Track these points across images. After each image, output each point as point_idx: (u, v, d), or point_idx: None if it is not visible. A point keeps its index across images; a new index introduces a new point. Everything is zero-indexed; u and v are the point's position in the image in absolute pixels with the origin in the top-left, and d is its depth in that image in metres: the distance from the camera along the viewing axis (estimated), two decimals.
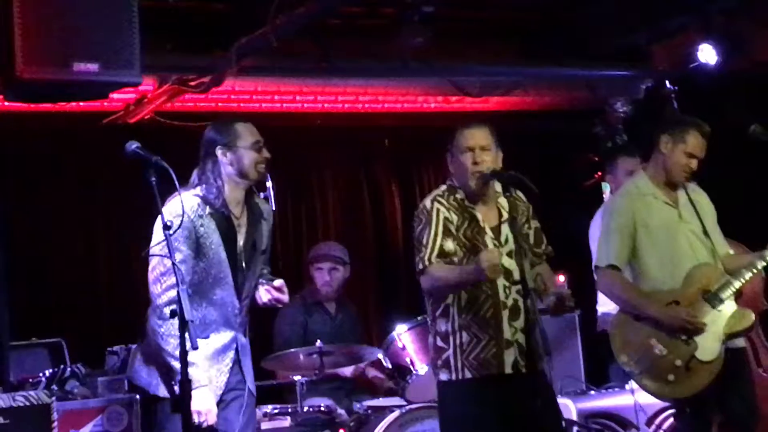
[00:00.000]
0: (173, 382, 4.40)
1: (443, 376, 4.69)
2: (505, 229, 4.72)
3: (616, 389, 6.14)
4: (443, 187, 4.79)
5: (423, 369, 5.99)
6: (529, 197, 4.81)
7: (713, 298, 5.05)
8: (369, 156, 8.66)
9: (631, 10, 7.21)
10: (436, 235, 4.64)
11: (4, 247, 6.06)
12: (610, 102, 8.11)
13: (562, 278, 7.27)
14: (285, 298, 4.67)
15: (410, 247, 4.80)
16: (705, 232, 5.17)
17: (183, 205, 4.28)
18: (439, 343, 4.71)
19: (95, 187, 7.56)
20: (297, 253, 8.09)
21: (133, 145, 4.25)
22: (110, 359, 5.81)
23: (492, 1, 7.37)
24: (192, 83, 6.73)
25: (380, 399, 6.40)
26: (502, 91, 7.90)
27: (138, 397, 5.14)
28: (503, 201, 4.77)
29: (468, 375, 4.61)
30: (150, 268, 4.47)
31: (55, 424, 4.99)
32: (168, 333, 4.38)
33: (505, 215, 4.74)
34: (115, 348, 5.78)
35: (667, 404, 5.65)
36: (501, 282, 4.63)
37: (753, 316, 5.12)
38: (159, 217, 4.24)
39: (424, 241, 4.65)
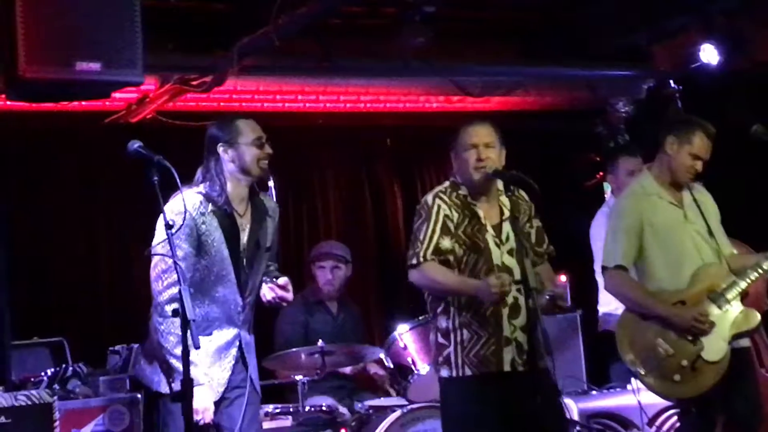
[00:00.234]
0: (172, 380, 4.41)
1: (444, 373, 4.71)
2: (506, 227, 4.74)
3: (618, 389, 6.15)
4: (446, 183, 4.82)
5: (424, 369, 6.00)
6: (531, 196, 4.82)
7: (719, 299, 5.05)
8: (370, 155, 8.66)
9: (632, 10, 7.21)
10: (433, 231, 4.67)
11: (5, 246, 6.06)
12: (612, 102, 8.12)
13: (563, 278, 7.28)
14: (289, 296, 4.67)
15: None
16: (710, 233, 5.18)
17: (185, 203, 4.29)
18: (441, 340, 4.74)
19: (97, 187, 7.56)
20: (298, 252, 8.09)
21: (135, 144, 4.26)
22: (112, 358, 5.81)
23: (493, 1, 7.37)
24: (194, 83, 6.73)
25: (382, 398, 6.40)
26: (504, 91, 7.90)
27: (140, 396, 5.15)
28: (505, 200, 4.79)
29: (468, 372, 4.63)
30: (152, 265, 4.48)
31: (57, 423, 4.99)
32: (168, 331, 4.39)
33: (507, 213, 4.76)
34: (117, 347, 5.77)
35: (668, 404, 5.66)
36: None
37: (758, 317, 5.12)
38: (161, 215, 4.25)
39: (421, 236, 4.69)
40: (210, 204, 4.49)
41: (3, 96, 5.82)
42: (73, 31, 4.99)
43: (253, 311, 4.70)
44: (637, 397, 5.63)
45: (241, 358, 4.59)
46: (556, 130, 8.54)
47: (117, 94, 6.25)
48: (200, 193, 4.49)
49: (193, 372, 4.28)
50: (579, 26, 7.50)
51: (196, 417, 4.33)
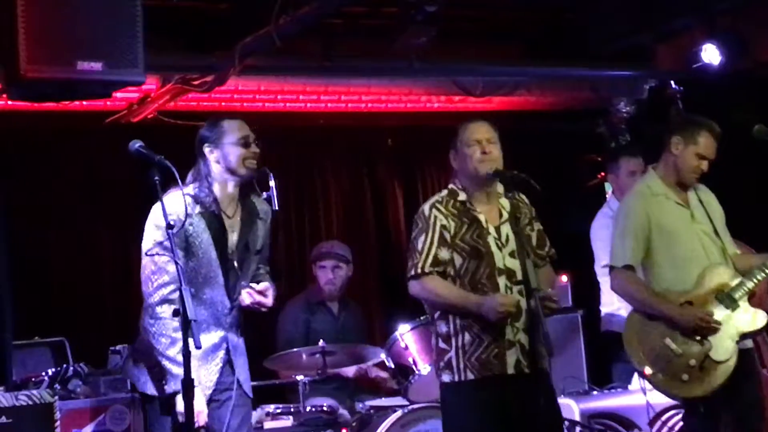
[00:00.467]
0: (164, 382, 4.38)
1: (446, 378, 4.69)
2: (506, 228, 4.73)
3: (619, 389, 6.14)
4: (444, 192, 4.82)
5: (425, 369, 5.99)
6: (533, 197, 4.81)
7: (726, 299, 5.04)
8: (372, 155, 8.65)
9: (634, 11, 7.20)
10: (431, 243, 4.68)
11: (6, 246, 6.07)
12: (613, 102, 8.11)
13: (564, 278, 7.28)
14: (267, 302, 4.58)
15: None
16: (716, 233, 5.18)
17: (164, 206, 4.21)
18: (441, 344, 4.72)
19: (98, 186, 7.55)
20: (299, 252, 8.09)
21: (136, 144, 4.26)
22: (113, 358, 5.82)
23: (495, 1, 7.37)
24: (195, 82, 6.73)
25: (383, 399, 6.40)
26: (506, 91, 7.90)
27: (138, 395, 5.14)
28: (504, 201, 4.79)
29: (470, 376, 4.61)
30: (141, 266, 4.46)
31: (58, 423, 5.00)
32: (159, 332, 4.37)
33: (506, 215, 4.75)
34: (118, 347, 5.77)
35: (670, 404, 5.65)
36: (503, 281, 4.65)
37: (765, 317, 5.11)
38: (150, 215, 4.29)
39: (419, 247, 4.70)
40: (198, 206, 4.45)
41: (4, 95, 5.82)
42: (74, 31, 5.00)
43: (242, 314, 4.65)
44: (645, 396, 5.61)
45: (228, 362, 4.55)
46: (558, 130, 8.54)
47: (118, 94, 6.25)
48: (188, 194, 4.42)
49: (182, 373, 4.27)
50: (581, 26, 7.49)
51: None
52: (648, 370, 5.00)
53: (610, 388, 6.23)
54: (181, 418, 4.30)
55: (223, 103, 7.40)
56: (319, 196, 8.38)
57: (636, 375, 5.89)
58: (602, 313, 6.45)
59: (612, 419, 5.89)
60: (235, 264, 4.55)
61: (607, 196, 7.14)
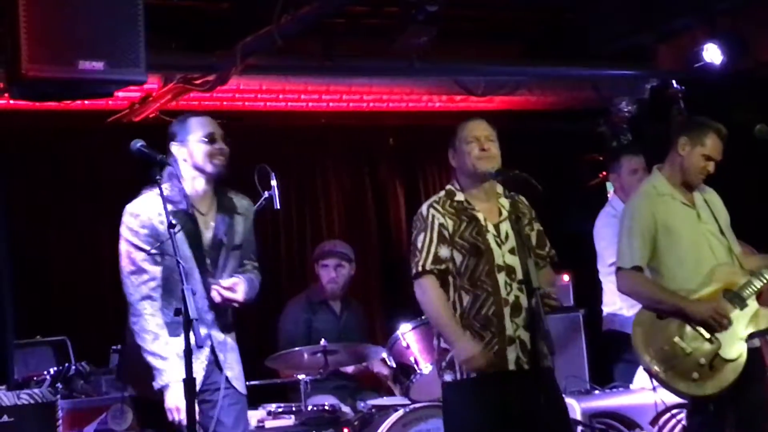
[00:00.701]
0: (151, 379, 4.36)
1: (448, 377, 4.70)
2: (505, 226, 4.74)
3: (621, 389, 6.14)
4: (442, 193, 4.84)
5: (427, 368, 5.99)
6: (534, 196, 4.81)
7: (734, 298, 5.04)
8: (373, 155, 8.66)
9: (635, 10, 7.20)
10: (431, 241, 4.70)
11: (8, 245, 6.07)
12: (615, 102, 8.11)
13: (566, 277, 7.29)
14: (236, 296, 4.51)
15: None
16: (721, 233, 5.18)
17: (137, 207, 4.30)
18: (443, 344, 4.72)
19: (100, 186, 7.55)
20: (300, 252, 8.10)
21: (138, 143, 4.27)
22: (114, 357, 5.83)
23: (495, 1, 7.37)
24: (197, 82, 6.73)
25: (384, 398, 6.40)
26: (507, 91, 7.90)
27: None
28: (504, 201, 4.80)
29: (472, 374, 4.61)
30: (120, 267, 4.46)
31: (60, 422, 5.01)
32: (143, 328, 4.38)
33: (505, 214, 4.76)
34: (119, 346, 5.77)
35: (670, 404, 5.65)
36: (502, 278, 4.66)
37: None
38: (123, 217, 4.38)
39: (419, 246, 4.72)
40: (169, 204, 4.37)
41: (6, 95, 5.83)
42: (75, 30, 5.00)
43: (230, 311, 4.62)
44: (655, 393, 5.60)
45: (215, 361, 4.52)
46: (559, 129, 8.54)
47: (120, 93, 6.25)
48: (159, 194, 4.32)
49: (167, 368, 4.31)
50: (582, 26, 7.49)
51: (171, 416, 4.32)
52: (656, 369, 4.99)
53: (611, 387, 6.23)
54: (169, 415, 4.31)
55: (224, 103, 7.41)
56: (321, 196, 8.38)
57: (638, 374, 5.89)
58: (604, 313, 6.45)
59: (613, 419, 5.89)
60: (208, 260, 4.51)
61: (608, 195, 7.14)
